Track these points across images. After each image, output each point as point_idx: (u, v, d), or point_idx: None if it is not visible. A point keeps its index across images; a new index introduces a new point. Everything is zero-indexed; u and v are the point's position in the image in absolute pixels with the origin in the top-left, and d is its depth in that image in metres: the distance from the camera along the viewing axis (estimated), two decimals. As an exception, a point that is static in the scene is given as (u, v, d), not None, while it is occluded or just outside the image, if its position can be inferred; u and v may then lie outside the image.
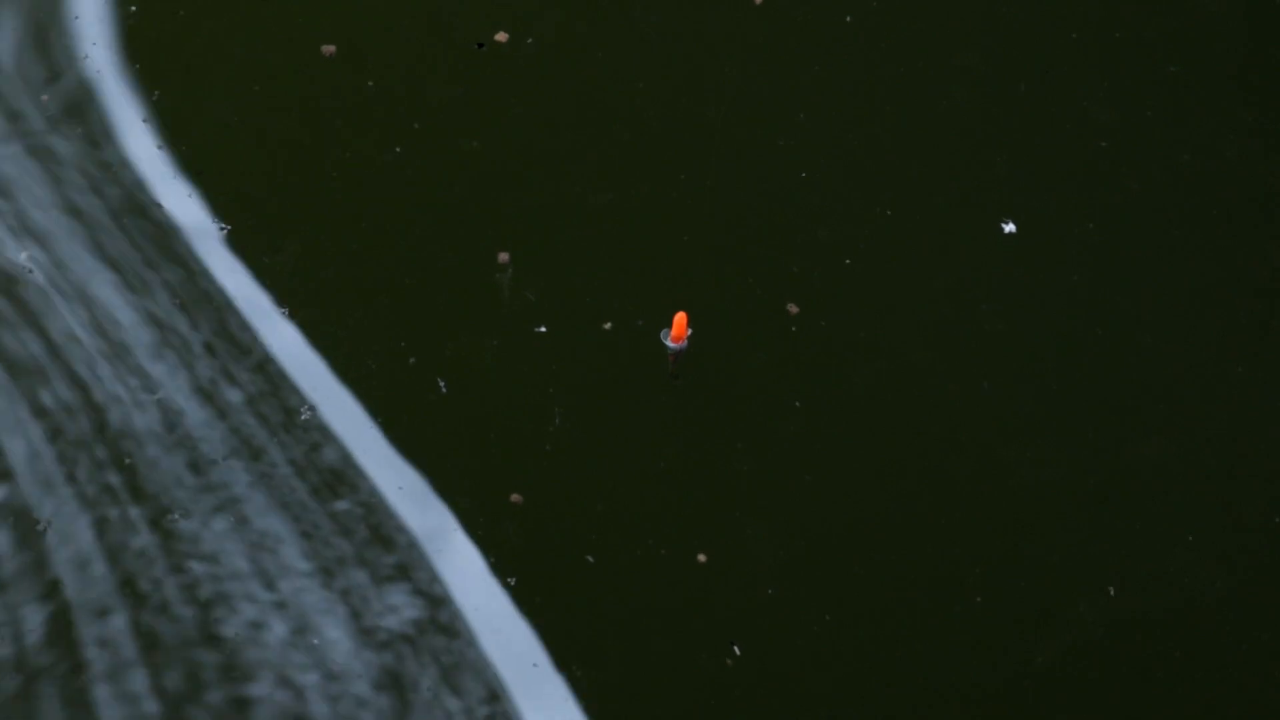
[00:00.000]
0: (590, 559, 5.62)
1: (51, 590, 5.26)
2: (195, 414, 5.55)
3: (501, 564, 5.50)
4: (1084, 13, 6.65)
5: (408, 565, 5.35)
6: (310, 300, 6.02)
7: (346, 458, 5.61)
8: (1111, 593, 5.55)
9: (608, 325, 5.95)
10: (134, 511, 5.31)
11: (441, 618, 5.30)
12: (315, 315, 5.99)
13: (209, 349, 5.81)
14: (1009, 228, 6.13)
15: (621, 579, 5.60)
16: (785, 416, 5.88)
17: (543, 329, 5.97)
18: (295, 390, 5.72)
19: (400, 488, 5.58)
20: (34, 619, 5.21)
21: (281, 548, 5.24)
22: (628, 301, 6.03)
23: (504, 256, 5.97)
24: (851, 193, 6.29)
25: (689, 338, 5.89)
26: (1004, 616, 5.56)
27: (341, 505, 5.43)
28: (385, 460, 5.64)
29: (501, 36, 6.49)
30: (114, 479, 5.39)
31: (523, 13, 6.59)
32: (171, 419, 5.53)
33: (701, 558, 5.61)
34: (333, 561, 5.23)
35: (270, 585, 5.16)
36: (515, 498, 5.69)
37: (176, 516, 5.30)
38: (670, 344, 5.89)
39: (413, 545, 5.44)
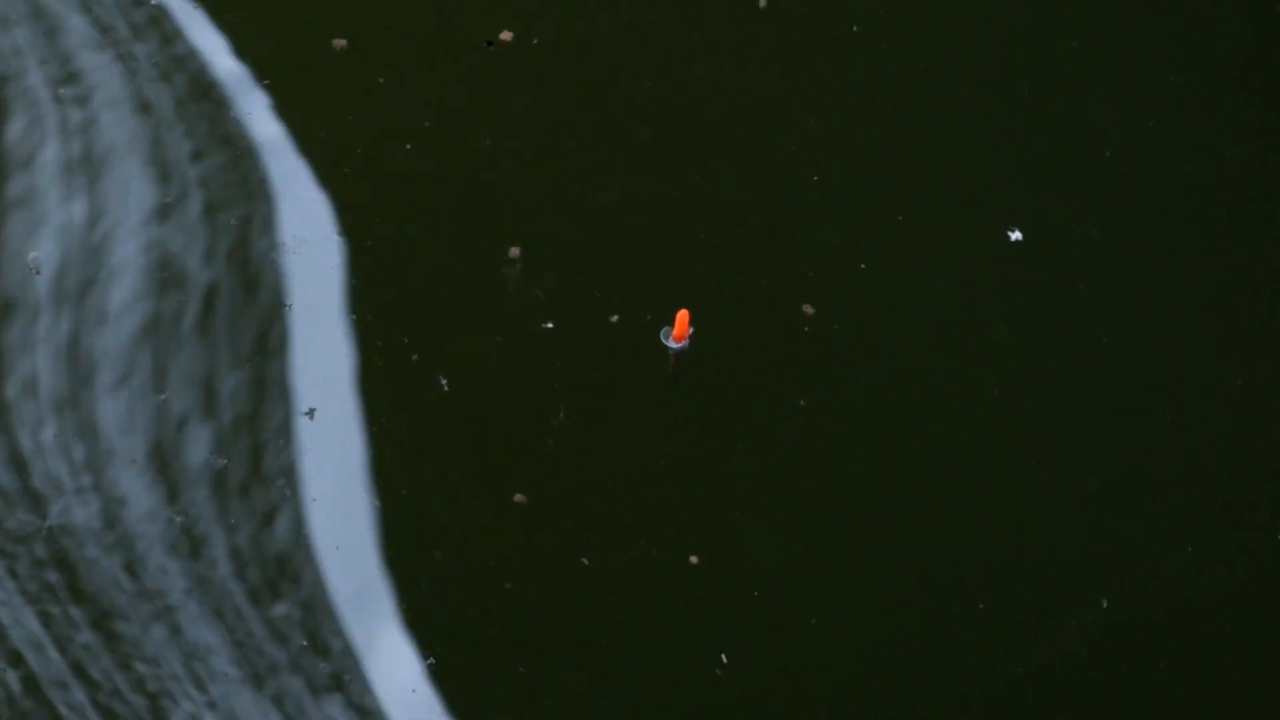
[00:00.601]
0: (585, 560, 5.64)
1: (17, 660, 5.40)
2: (139, 502, 5.63)
3: (438, 668, 5.52)
4: (1085, 14, 6.66)
5: (342, 674, 5.43)
6: (312, 291, 6.05)
7: (297, 530, 5.65)
8: (1104, 605, 5.56)
9: (614, 318, 5.96)
10: (75, 611, 5.46)
11: None
12: (315, 304, 6.02)
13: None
14: (1015, 235, 6.13)
15: (618, 580, 5.61)
16: (786, 417, 5.88)
17: (549, 325, 5.98)
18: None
19: (343, 579, 5.62)
20: (11, 678, 5.38)
21: (212, 658, 5.40)
22: (633, 299, 6.03)
23: (515, 251, 5.99)
24: (854, 194, 6.30)
25: (690, 337, 5.90)
26: (1004, 617, 5.57)
27: (279, 610, 5.50)
28: (350, 447, 5.69)
29: (507, 35, 6.51)
30: (53, 577, 5.53)
31: (527, 11, 6.60)
32: (112, 513, 5.62)
33: (694, 559, 5.62)
34: (265, 669, 5.38)
35: (202, 688, 5.34)
36: (519, 498, 5.70)
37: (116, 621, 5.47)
38: (671, 344, 5.90)
39: (348, 652, 5.47)
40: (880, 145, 6.40)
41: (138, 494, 5.63)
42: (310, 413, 5.80)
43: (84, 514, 5.60)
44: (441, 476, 5.74)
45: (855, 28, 6.60)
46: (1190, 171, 6.35)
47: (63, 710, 5.31)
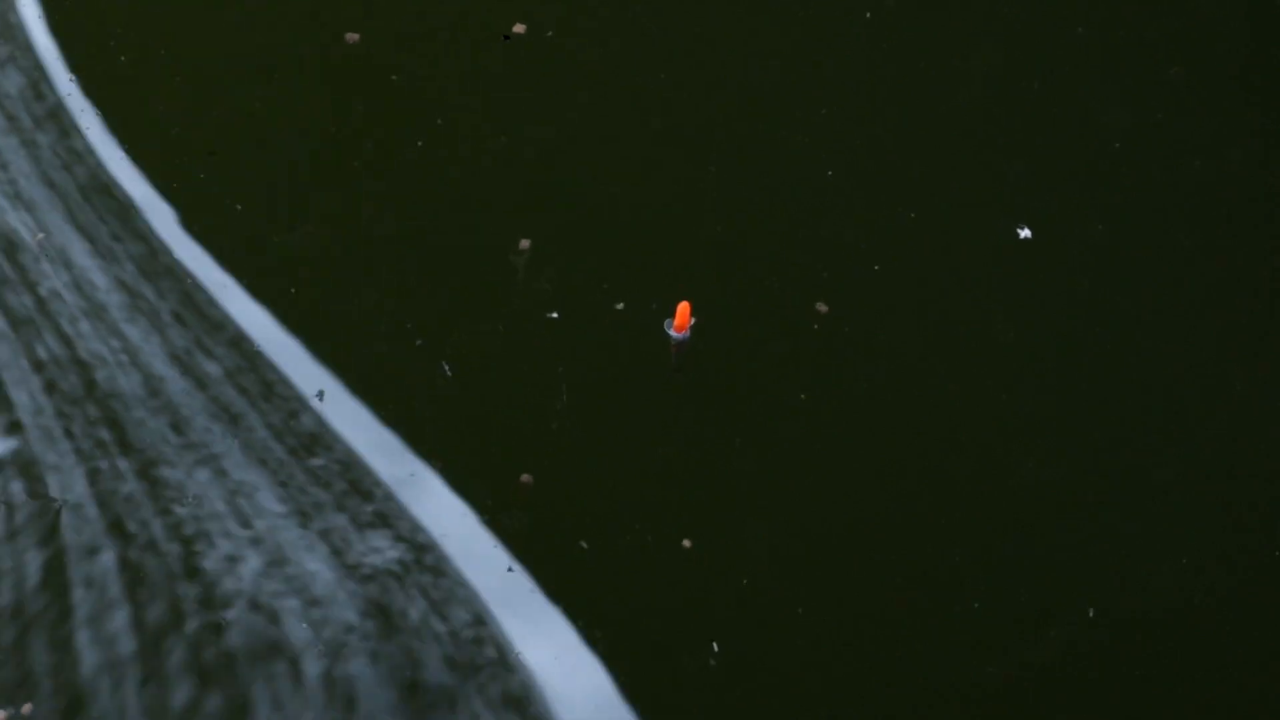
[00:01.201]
0: (584, 544, 5.64)
1: (50, 536, 5.38)
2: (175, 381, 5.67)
3: (484, 513, 5.50)
4: (1086, 11, 6.65)
5: (387, 514, 5.40)
6: (319, 281, 6.06)
7: (321, 421, 5.65)
8: (1090, 614, 5.55)
9: (620, 305, 5.97)
10: (123, 463, 5.45)
11: (426, 560, 5.35)
12: (322, 296, 6.03)
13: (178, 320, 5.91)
14: (1024, 233, 6.12)
15: (616, 572, 5.61)
16: (786, 416, 5.88)
17: (554, 315, 5.99)
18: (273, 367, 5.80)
19: (374, 445, 5.61)
20: (34, 564, 5.36)
21: (258, 494, 5.37)
22: (640, 291, 6.04)
23: (525, 243, 5.99)
24: (864, 191, 6.30)
25: (692, 328, 5.90)
26: (1004, 616, 5.56)
27: (317, 462, 5.49)
28: (360, 421, 5.68)
29: (519, 28, 6.52)
30: (105, 434, 5.53)
31: (538, 4, 6.62)
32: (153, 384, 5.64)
33: (686, 543, 5.62)
34: (310, 506, 5.33)
35: (246, 524, 5.30)
36: (525, 478, 5.70)
37: (162, 468, 5.45)
38: (673, 334, 5.90)
39: (389, 497, 5.46)
40: (890, 142, 6.39)
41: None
42: (320, 394, 5.82)
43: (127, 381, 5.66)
44: (445, 461, 5.76)
45: (868, 14, 6.60)
46: (1196, 170, 6.34)
47: (76, 593, 5.26)
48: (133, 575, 5.28)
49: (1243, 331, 6.04)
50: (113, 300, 5.95)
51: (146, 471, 5.44)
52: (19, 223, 6.10)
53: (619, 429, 5.83)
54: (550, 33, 6.55)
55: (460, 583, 5.37)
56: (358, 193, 6.28)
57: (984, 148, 6.37)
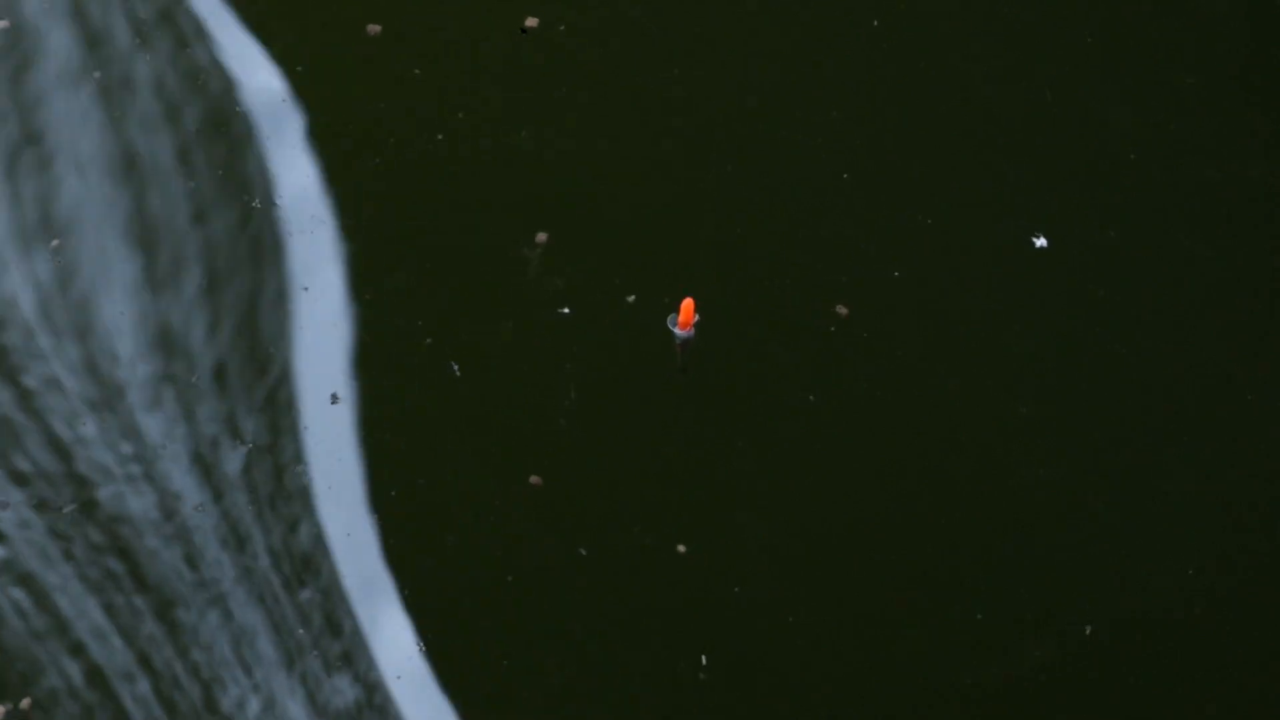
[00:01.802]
0: (583, 551, 5.65)
1: (78, 650, 5.52)
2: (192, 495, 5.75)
3: (428, 644, 5.58)
4: (1090, 19, 6.65)
5: (352, 654, 5.56)
6: (327, 276, 6.07)
7: (317, 537, 5.70)
8: (1090, 614, 5.56)
9: (631, 298, 5.98)
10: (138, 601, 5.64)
11: (375, 700, 5.53)
12: (332, 291, 6.05)
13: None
14: (1040, 242, 6.12)
15: (616, 575, 5.61)
16: (788, 416, 5.88)
17: (566, 310, 6.00)
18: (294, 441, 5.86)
19: (355, 555, 5.71)
20: (73, 668, 5.52)
21: (257, 640, 5.61)
22: (649, 288, 6.04)
23: (541, 236, 6.00)
24: (859, 190, 6.30)
25: (696, 325, 5.90)
26: (1004, 616, 5.56)
27: (306, 595, 5.64)
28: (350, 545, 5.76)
29: (532, 22, 6.52)
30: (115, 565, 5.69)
31: (553, 3, 6.64)
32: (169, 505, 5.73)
33: (681, 548, 5.61)
34: (295, 649, 5.59)
35: (249, 671, 5.58)
36: (534, 479, 5.71)
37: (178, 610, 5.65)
38: (678, 331, 5.90)
39: (356, 633, 5.58)
40: (896, 145, 6.38)
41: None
42: (333, 397, 5.83)
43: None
44: (456, 462, 5.77)
45: (875, 21, 6.59)
46: (1206, 176, 6.32)
47: (128, 703, 5.47)
48: (168, 705, 5.48)
49: (1242, 331, 6.05)
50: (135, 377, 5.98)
51: (164, 614, 5.61)
52: None
53: (625, 429, 5.84)
54: (562, 26, 6.55)
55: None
56: (365, 190, 6.29)
57: (990, 150, 6.37)
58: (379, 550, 5.66)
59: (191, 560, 5.66)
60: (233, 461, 5.75)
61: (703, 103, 6.47)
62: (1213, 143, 6.39)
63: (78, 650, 5.50)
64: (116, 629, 5.55)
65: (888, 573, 5.62)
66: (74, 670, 5.49)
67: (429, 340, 5.97)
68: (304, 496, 5.72)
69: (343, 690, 5.53)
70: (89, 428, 5.82)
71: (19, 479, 5.75)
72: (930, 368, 5.96)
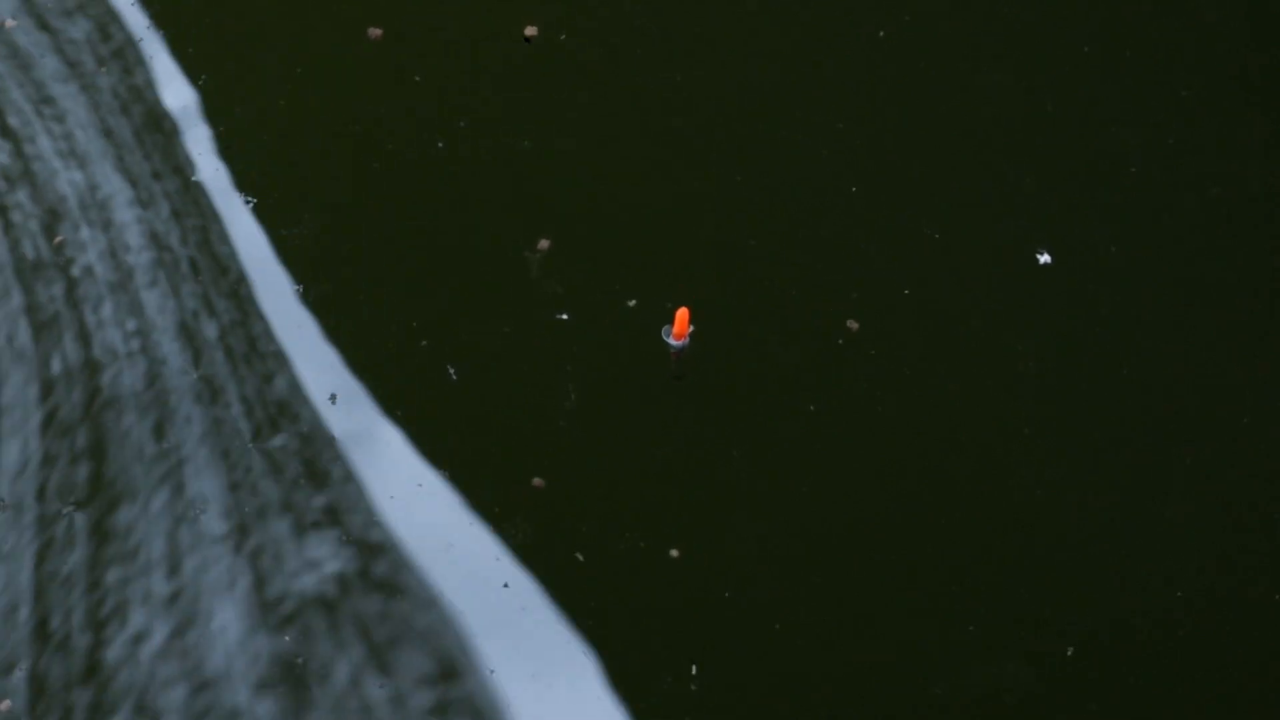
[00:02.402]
0: (580, 556, 5.65)
1: None
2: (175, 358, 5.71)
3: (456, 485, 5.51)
4: (1091, 30, 6.65)
5: (337, 507, 5.37)
6: (327, 277, 6.07)
7: (295, 385, 5.68)
8: (1090, 614, 5.54)
9: (632, 303, 5.97)
10: (79, 518, 5.49)
11: (376, 569, 5.24)
12: (330, 291, 6.05)
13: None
14: (1044, 258, 6.11)
15: (615, 578, 5.61)
16: (786, 417, 5.88)
17: (564, 316, 6.00)
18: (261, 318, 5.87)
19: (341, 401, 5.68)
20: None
21: (203, 516, 5.40)
22: (649, 292, 6.04)
23: (544, 243, 6.00)
24: (860, 193, 6.30)
25: (691, 334, 5.90)
26: (1004, 616, 5.55)
27: (278, 441, 5.54)
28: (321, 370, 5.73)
29: (531, 30, 6.53)
30: (83, 472, 5.59)
31: (554, 6, 6.63)
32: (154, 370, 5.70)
33: (674, 553, 5.61)
34: (253, 515, 5.31)
35: (174, 570, 5.30)
36: (537, 482, 5.71)
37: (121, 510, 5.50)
38: (672, 341, 5.90)
39: (348, 478, 5.45)
40: (900, 154, 6.39)
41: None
42: (332, 398, 5.84)
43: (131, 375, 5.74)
44: (454, 465, 5.76)
45: (882, 32, 6.60)
46: (1209, 181, 6.32)
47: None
48: (38, 687, 5.28)
49: (1242, 331, 6.04)
50: (141, 261, 6.00)
51: (101, 524, 5.45)
52: (68, 184, 6.21)
53: (624, 432, 5.84)
54: (564, 35, 6.56)
55: (424, 599, 5.29)
56: (369, 190, 6.29)
57: (993, 161, 6.37)
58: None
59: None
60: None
61: (704, 105, 6.47)
62: (1213, 151, 6.38)
63: None
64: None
65: (888, 573, 5.62)
66: None
67: (424, 343, 5.98)
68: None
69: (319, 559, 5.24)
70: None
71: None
72: (930, 367, 5.96)
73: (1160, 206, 6.27)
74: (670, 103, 6.48)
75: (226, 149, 6.38)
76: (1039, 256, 6.12)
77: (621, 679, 5.45)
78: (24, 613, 5.35)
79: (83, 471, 5.62)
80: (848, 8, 6.71)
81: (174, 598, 5.28)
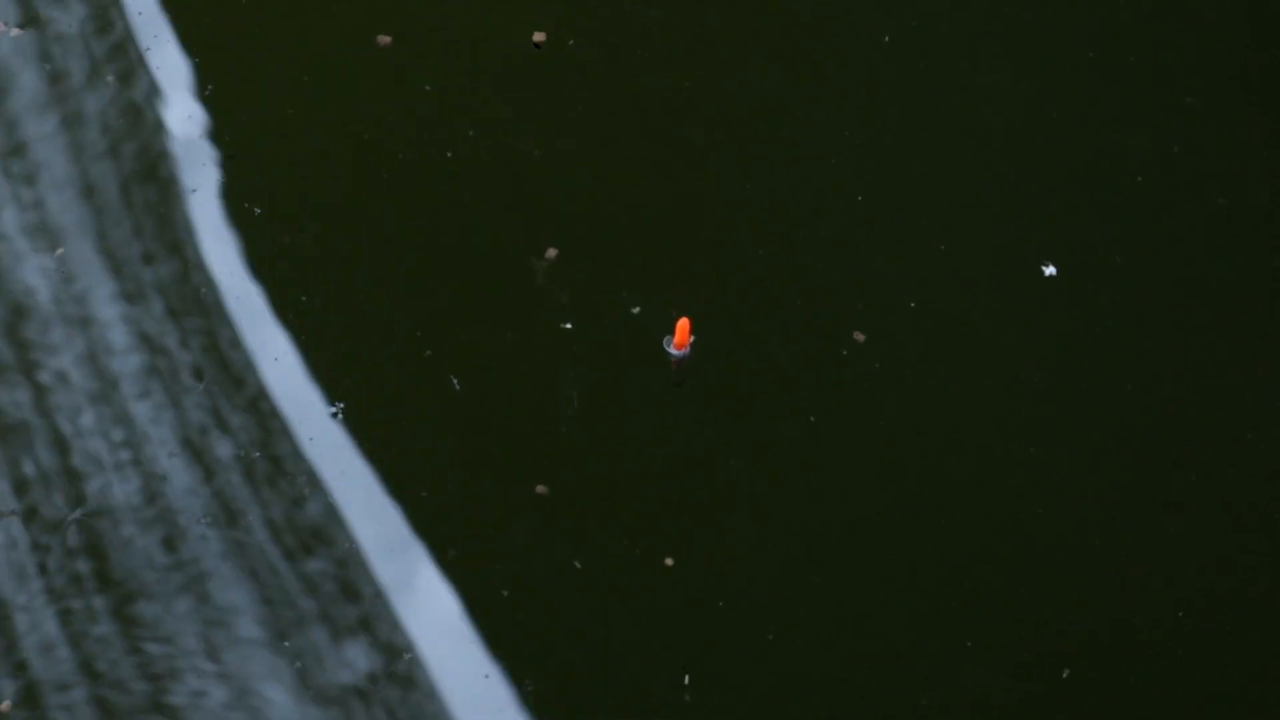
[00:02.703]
0: (578, 564, 5.67)
1: (20, 669, 5.40)
2: (179, 478, 5.65)
3: (474, 608, 5.52)
4: (1094, 37, 6.64)
5: (371, 619, 5.44)
6: (327, 287, 6.09)
7: (330, 508, 5.67)
8: (1090, 615, 5.52)
9: (636, 309, 5.98)
10: (98, 601, 5.46)
11: (398, 668, 5.40)
12: (329, 304, 6.06)
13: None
14: (1049, 270, 6.10)
15: (614, 582, 5.62)
16: (786, 422, 5.88)
17: (568, 325, 6.01)
18: (286, 432, 5.78)
19: (376, 531, 5.64)
20: (6, 689, 5.38)
21: (237, 620, 5.42)
22: (656, 297, 6.05)
23: (551, 252, 6.01)
24: (860, 195, 6.30)
25: (692, 344, 5.91)
26: (1004, 617, 5.55)
27: (315, 565, 5.53)
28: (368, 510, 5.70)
29: (539, 36, 6.54)
30: (83, 566, 5.53)
31: (562, 13, 6.63)
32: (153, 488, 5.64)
33: (669, 561, 5.60)
34: (291, 624, 5.40)
35: (215, 659, 5.37)
36: (540, 489, 5.72)
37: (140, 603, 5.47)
38: (673, 350, 5.91)
39: (379, 596, 5.49)
40: (904, 161, 6.36)
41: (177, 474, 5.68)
42: (336, 413, 5.84)
43: (123, 489, 5.65)
44: (458, 473, 5.77)
45: (887, 37, 6.60)
46: (1210, 186, 6.31)
47: (56, 715, 5.31)
48: (103, 711, 5.32)
49: (1242, 330, 6.04)
50: (127, 367, 5.86)
51: (121, 610, 5.44)
52: (38, 270, 6.02)
53: (629, 437, 5.84)
54: (572, 41, 6.57)
55: (431, 695, 5.38)
56: (371, 197, 6.31)
57: (995, 163, 6.36)
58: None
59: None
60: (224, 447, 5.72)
61: (708, 109, 6.47)
62: (1232, 169, 6.34)
63: (20, 669, 5.39)
64: (66, 638, 5.40)
65: (888, 573, 5.62)
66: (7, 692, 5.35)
67: (429, 352, 5.99)
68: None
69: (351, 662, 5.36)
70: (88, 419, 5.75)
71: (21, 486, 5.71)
72: (930, 367, 5.96)
73: (1162, 210, 6.26)
74: (673, 106, 6.48)
75: (225, 161, 6.39)
76: (1044, 268, 6.11)
77: (618, 686, 5.46)
78: (63, 653, 5.39)
79: (82, 565, 5.56)
80: (850, 15, 6.71)
81: (224, 677, 5.36)
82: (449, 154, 6.35)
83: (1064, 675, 5.46)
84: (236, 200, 6.23)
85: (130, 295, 5.95)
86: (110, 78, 6.41)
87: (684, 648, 5.51)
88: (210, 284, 6.04)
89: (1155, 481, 5.76)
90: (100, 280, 5.95)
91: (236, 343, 5.95)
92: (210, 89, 6.47)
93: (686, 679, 5.45)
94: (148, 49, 6.51)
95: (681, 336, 5.87)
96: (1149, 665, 5.48)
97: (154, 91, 6.42)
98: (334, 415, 5.82)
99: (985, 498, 5.74)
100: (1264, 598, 5.57)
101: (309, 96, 6.48)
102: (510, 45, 6.59)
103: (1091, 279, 6.12)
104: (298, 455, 5.76)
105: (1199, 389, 5.93)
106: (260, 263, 6.13)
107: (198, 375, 5.59)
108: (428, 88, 6.48)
